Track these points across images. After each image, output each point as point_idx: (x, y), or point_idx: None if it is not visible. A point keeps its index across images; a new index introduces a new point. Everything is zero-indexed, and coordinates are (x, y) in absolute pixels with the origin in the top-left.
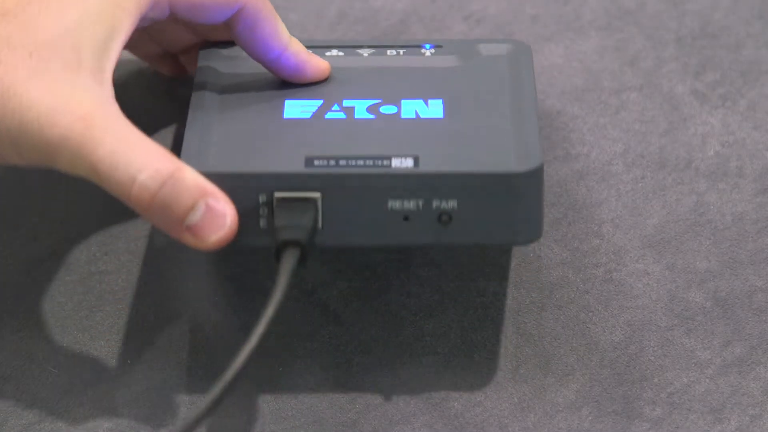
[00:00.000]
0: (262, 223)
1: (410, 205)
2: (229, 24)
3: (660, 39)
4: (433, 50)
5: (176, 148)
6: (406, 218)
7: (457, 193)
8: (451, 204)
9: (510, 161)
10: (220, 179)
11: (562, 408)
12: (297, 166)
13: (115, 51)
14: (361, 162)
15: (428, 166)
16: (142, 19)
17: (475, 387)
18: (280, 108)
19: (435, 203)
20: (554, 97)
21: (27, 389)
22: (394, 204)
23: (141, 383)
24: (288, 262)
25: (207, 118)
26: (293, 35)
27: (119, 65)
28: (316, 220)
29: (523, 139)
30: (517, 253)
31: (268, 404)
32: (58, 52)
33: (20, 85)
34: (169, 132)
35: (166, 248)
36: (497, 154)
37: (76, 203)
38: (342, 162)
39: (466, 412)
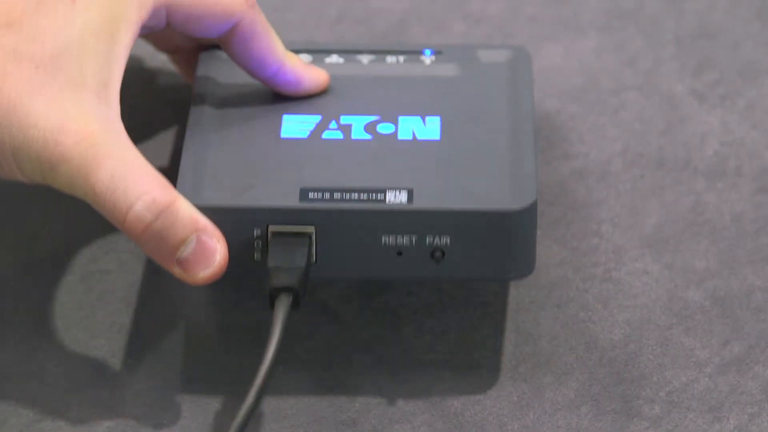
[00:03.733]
0: (256, 255)
1: (404, 240)
2: (224, 40)
3: (659, 39)
4: (433, 57)
5: (176, 152)
6: (399, 253)
7: (451, 229)
8: (445, 240)
9: (504, 197)
10: (214, 212)
11: (561, 406)
12: (292, 200)
13: (119, 64)
14: (355, 195)
15: (422, 202)
16: (142, 27)
17: (474, 386)
18: (278, 125)
19: (428, 239)
20: (553, 97)
21: (27, 388)
22: (388, 239)
23: (142, 382)
24: (281, 309)
25: (204, 139)
26: (293, 35)
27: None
28: (309, 258)
29: (519, 168)
30: None
31: (268, 403)
32: (63, 65)
33: (25, 100)
34: (169, 129)
35: None
36: (491, 188)
37: (78, 202)
38: (337, 195)
39: (466, 411)
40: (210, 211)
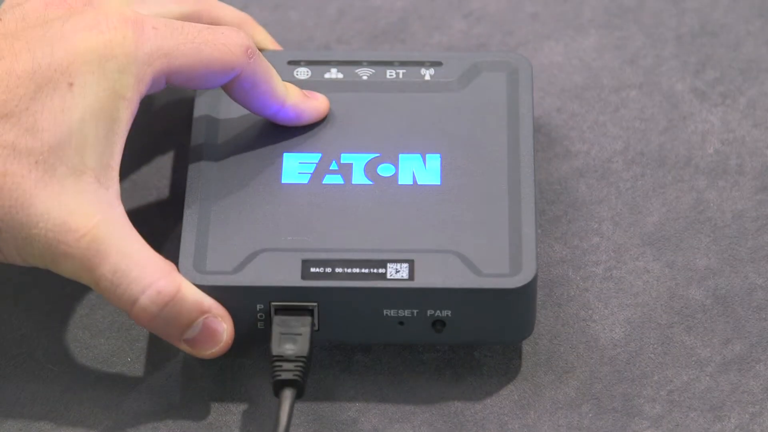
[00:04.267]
0: (260, 324)
1: (405, 312)
2: (225, 87)
3: (660, 37)
4: (432, 72)
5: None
6: (401, 323)
7: (451, 304)
8: (445, 312)
9: (504, 272)
10: (217, 290)
11: (562, 405)
12: (294, 277)
13: (118, 145)
14: (356, 270)
15: (422, 279)
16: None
17: (474, 385)
18: (279, 167)
19: (429, 312)
20: (554, 95)
21: (27, 387)
22: (389, 312)
23: (142, 381)
24: (287, 403)
25: (204, 197)
26: (293, 34)
27: None
28: (312, 344)
29: (519, 233)
30: None
31: (268, 403)
32: (63, 157)
33: (27, 197)
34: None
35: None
36: (492, 260)
37: None
38: (338, 270)
39: (466, 410)
40: (213, 289)
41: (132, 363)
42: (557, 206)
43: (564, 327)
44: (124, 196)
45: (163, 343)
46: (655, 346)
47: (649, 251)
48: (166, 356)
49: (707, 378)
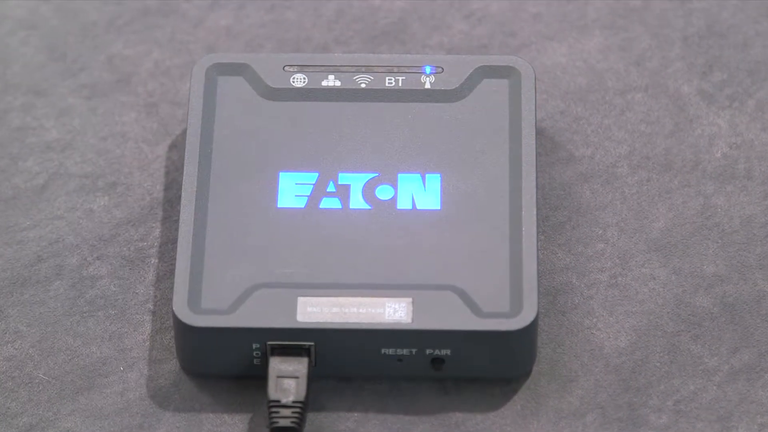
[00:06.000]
0: (256, 361)
1: (403, 351)
2: None
3: (666, 38)
4: (433, 80)
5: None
6: (399, 360)
7: (450, 344)
8: (444, 351)
9: (505, 310)
10: (212, 332)
11: (566, 415)
12: (290, 318)
13: None
14: (354, 309)
15: (421, 320)
16: None
17: (476, 395)
18: (274, 188)
19: (428, 351)
20: (557, 98)
21: (17, 397)
22: (388, 350)
23: (134, 391)
24: None
25: (198, 224)
26: (290, 35)
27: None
28: (310, 380)
29: (520, 268)
30: None
31: (264, 413)
32: None
33: None
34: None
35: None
36: (492, 299)
37: (66, 205)
38: (335, 309)
39: (467, 421)
40: (209, 330)
41: (124, 372)
42: (561, 212)
43: (568, 335)
44: (119, 207)
45: (156, 353)
46: (662, 354)
47: (656, 258)
48: (160, 367)
49: (715, 388)
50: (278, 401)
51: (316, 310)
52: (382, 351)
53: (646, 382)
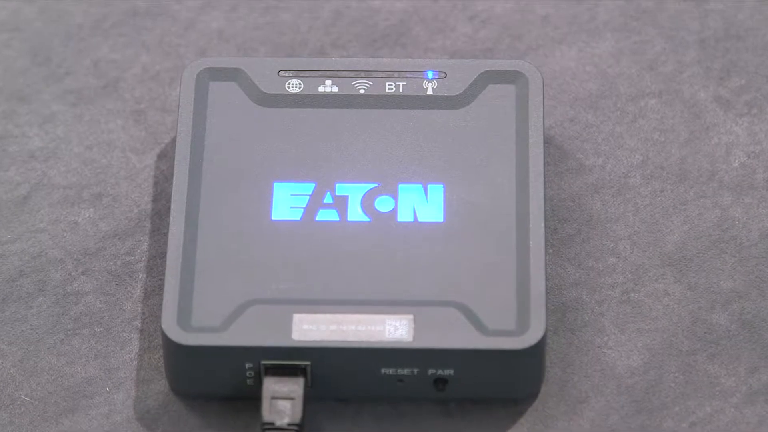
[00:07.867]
0: (249, 381)
1: (405, 371)
2: None
3: (681, 41)
4: (435, 85)
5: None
6: (400, 380)
7: (454, 363)
8: (448, 372)
9: (511, 328)
10: (204, 350)
11: None
12: (285, 336)
13: None
14: (352, 327)
15: (423, 339)
16: None
17: (481, 417)
18: (268, 199)
19: (430, 371)
20: (567, 104)
21: None
22: (388, 370)
23: (121, 413)
24: None
25: (188, 236)
26: (285, 38)
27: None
28: (306, 401)
29: (527, 282)
30: None
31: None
32: None
33: None
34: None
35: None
36: (497, 315)
37: (50, 217)
38: (333, 327)
39: None
40: (200, 349)
41: (110, 393)
42: (570, 224)
43: (578, 354)
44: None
45: (144, 373)
46: (676, 374)
47: (670, 272)
48: (148, 387)
49: (732, 409)
50: (272, 424)
51: (313, 328)
52: (382, 371)
53: (660, 404)
